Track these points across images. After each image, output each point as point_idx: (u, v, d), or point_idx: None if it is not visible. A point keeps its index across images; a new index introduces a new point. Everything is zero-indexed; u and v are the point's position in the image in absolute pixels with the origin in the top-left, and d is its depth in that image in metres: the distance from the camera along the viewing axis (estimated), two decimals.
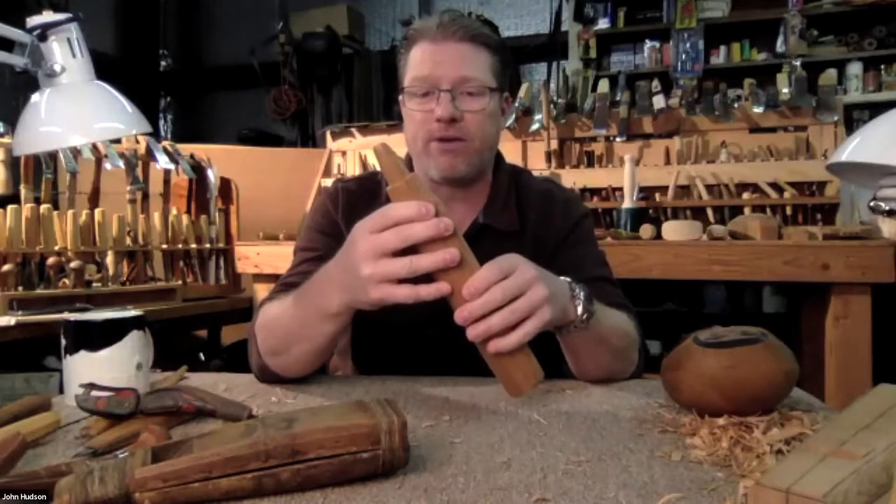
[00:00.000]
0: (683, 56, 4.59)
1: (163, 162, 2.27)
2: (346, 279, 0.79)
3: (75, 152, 2.06)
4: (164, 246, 2.26)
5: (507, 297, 0.74)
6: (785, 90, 2.58)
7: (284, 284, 1.10)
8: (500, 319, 0.73)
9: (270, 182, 2.94)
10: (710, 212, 2.41)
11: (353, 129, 3.10)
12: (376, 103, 5.76)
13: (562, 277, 0.87)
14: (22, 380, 1.47)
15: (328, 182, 2.96)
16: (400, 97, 1.10)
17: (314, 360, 0.96)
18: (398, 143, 3.15)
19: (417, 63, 1.05)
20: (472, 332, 0.74)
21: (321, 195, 1.23)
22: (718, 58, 4.64)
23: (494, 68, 1.07)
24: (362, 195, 1.16)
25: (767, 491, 0.47)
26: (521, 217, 1.13)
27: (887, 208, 1.01)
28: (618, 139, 2.72)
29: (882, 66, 4.28)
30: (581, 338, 0.89)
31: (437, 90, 1.03)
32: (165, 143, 2.35)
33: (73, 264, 1.92)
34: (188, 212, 2.46)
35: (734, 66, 4.53)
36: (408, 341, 1.09)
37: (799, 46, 4.24)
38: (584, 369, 0.98)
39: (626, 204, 2.33)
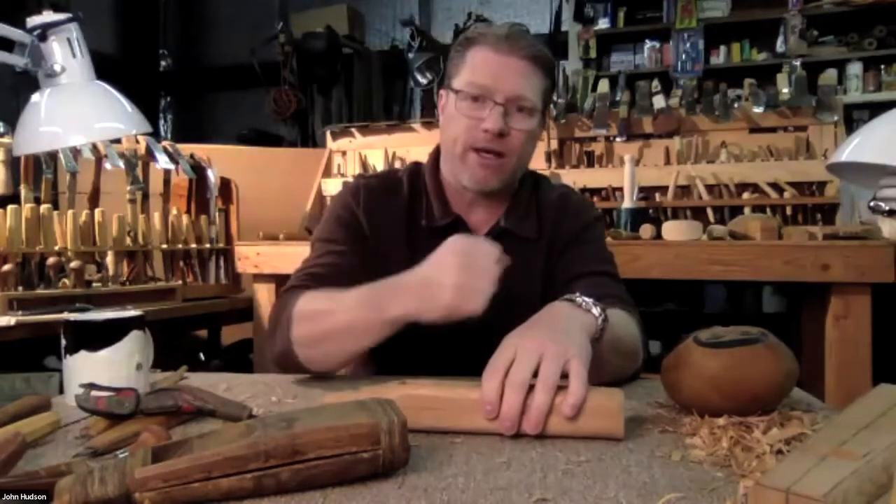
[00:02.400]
0: (683, 56, 4.59)
1: (163, 162, 2.27)
2: (424, 287, 0.85)
3: (75, 152, 2.05)
4: (164, 246, 2.26)
5: (526, 377, 0.72)
6: (785, 90, 2.58)
7: (310, 275, 1.09)
8: (543, 397, 0.71)
9: (270, 182, 2.94)
10: (710, 212, 2.41)
11: (353, 129, 3.10)
12: (376, 103, 5.75)
13: (565, 296, 0.86)
14: (22, 380, 1.47)
15: (328, 182, 2.96)
16: (442, 92, 1.10)
17: (345, 361, 0.99)
18: (398, 144, 3.13)
19: (477, 68, 1.05)
20: (530, 428, 0.71)
21: (341, 190, 1.24)
22: (718, 58, 4.63)
23: (545, 91, 1.09)
24: (383, 192, 1.17)
25: (767, 491, 0.47)
26: (539, 224, 1.15)
27: (887, 208, 1.01)
28: (618, 139, 2.72)
29: (882, 66, 4.27)
30: (600, 346, 0.85)
31: (490, 100, 1.03)
32: (165, 143, 2.35)
33: (73, 264, 1.92)
34: (188, 212, 2.45)
35: (734, 66, 4.52)
36: (409, 342, 1.09)
37: (799, 46, 4.23)
38: (598, 376, 0.96)
39: (626, 204, 2.33)
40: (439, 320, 0.83)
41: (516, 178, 1.13)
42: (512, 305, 1.10)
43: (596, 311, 0.84)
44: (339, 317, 0.94)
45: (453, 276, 0.82)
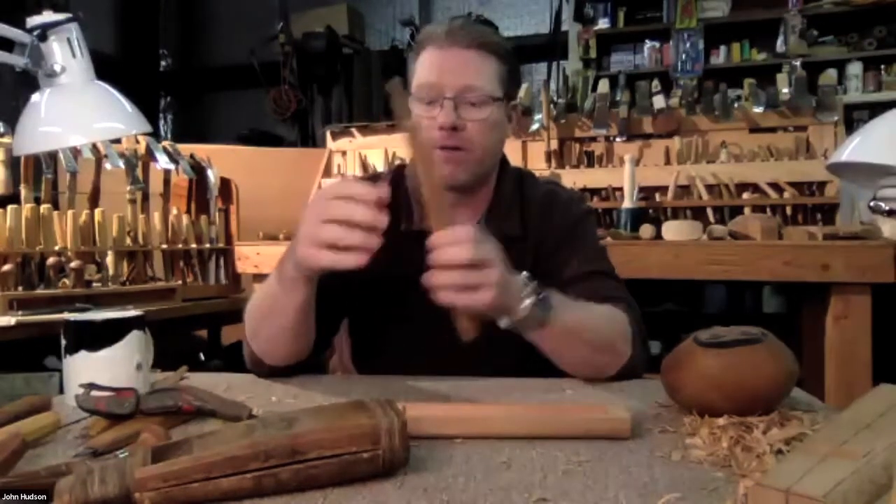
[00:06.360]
0: (683, 56, 4.59)
1: (163, 162, 2.27)
2: (294, 239, 0.84)
3: (75, 152, 2.05)
4: (164, 246, 2.26)
5: (464, 262, 0.79)
6: (785, 90, 2.58)
7: None
8: (451, 279, 0.79)
9: (270, 182, 2.94)
10: (710, 212, 2.41)
11: (353, 129, 3.10)
12: (376, 103, 5.76)
13: (522, 275, 0.89)
14: (22, 380, 1.47)
15: (328, 182, 2.96)
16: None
17: (288, 340, 0.98)
18: (398, 144, 3.13)
19: (424, 69, 1.06)
20: (431, 279, 0.79)
21: None
22: (718, 58, 4.63)
23: (501, 76, 1.07)
24: None
25: (767, 491, 0.47)
26: (523, 222, 1.13)
27: (887, 208, 1.01)
28: (618, 139, 2.72)
29: (882, 66, 4.27)
30: (543, 336, 0.91)
31: (441, 97, 1.03)
32: (165, 143, 2.35)
33: (73, 264, 1.92)
34: (188, 212, 2.45)
35: (734, 66, 4.52)
36: (408, 341, 1.09)
37: (799, 46, 4.23)
38: (563, 365, 0.99)
39: (626, 204, 2.33)
40: (305, 271, 0.84)
41: (487, 169, 1.11)
42: None
43: (523, 305, 0.87)
44: (261, 301, 0.97)
45: (303, 227, 0.81)
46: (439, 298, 0.80)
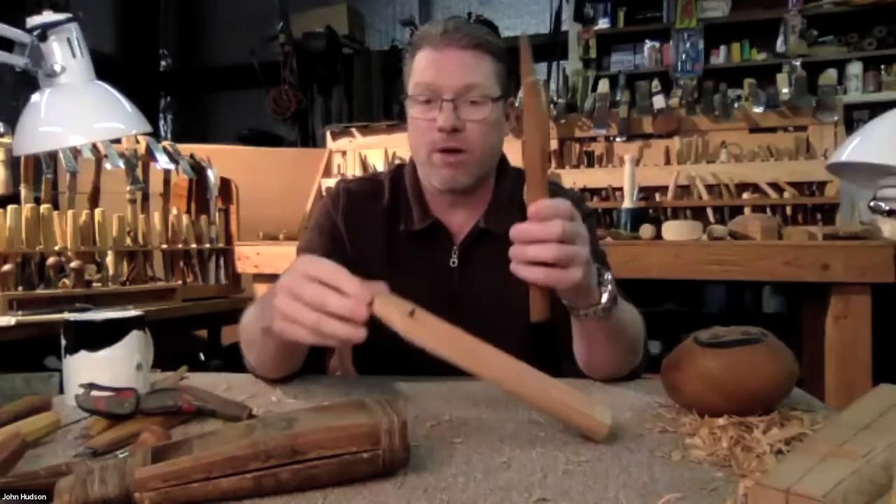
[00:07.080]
0: (683, 56, 4.59)
1: (163, 162, 2.27)
2: (273, 293, 0.76)
3: (75, 152, 2.05)
4: (164, 246, 2.26)
5: (562, 237, 0.75)
6: (785, 90, 2.58)
7: None
8: (547, 252, 0.75)
9: (270, 182, 2.94)
10: (710, 212, 2.41)
11: (353, 129, 3.11)
12: (376, 103, 5.76)
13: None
14: (22, 380, 1.46)
15: (328, 182, 2.96)
16: (403, 99, 1.10)
17: (277, 366, 0.97)
18: (398, 144, 3.12)
19: (420, 70, 1.05)
20: (524, 252, 0.76)
21: (325, 196, 1.24)
22: (718, 58, 4.63)
23: (499, 76, 1.07)
24: (364, 197, 1.16)
25: (767, 491, 0.47)
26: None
27: (887, 208, 1.01)
28: (618, 139, 2.72)
29: (882, 66, 4.28)
30: (601, 326, 0.88)
31: (439, 99, 1.03)
32: (165, 143, 2.35)
33: (73, 264, 1.92)
34: (188, 212, 2.45)
35: (734, 66, 4.52)
36: (407, 341, 1.09)
37: (799, 46, 4.23)
38: (597, 361, 0.97)
39: (626, 204, 2.33)
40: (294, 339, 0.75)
41: (486, 170, 1.11)
42: (502, 306, 1.10)
43: (605, 297, 0.85)
44: (251, 322, 0.94)
45: (279, 301, 0.73)
46: (526, 274, 0.76)
